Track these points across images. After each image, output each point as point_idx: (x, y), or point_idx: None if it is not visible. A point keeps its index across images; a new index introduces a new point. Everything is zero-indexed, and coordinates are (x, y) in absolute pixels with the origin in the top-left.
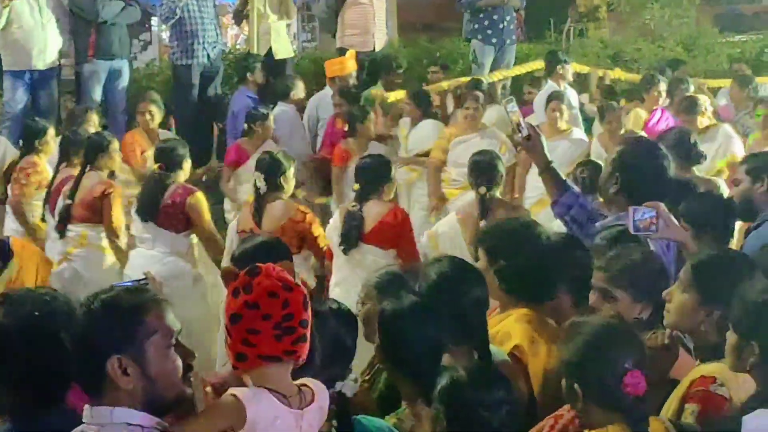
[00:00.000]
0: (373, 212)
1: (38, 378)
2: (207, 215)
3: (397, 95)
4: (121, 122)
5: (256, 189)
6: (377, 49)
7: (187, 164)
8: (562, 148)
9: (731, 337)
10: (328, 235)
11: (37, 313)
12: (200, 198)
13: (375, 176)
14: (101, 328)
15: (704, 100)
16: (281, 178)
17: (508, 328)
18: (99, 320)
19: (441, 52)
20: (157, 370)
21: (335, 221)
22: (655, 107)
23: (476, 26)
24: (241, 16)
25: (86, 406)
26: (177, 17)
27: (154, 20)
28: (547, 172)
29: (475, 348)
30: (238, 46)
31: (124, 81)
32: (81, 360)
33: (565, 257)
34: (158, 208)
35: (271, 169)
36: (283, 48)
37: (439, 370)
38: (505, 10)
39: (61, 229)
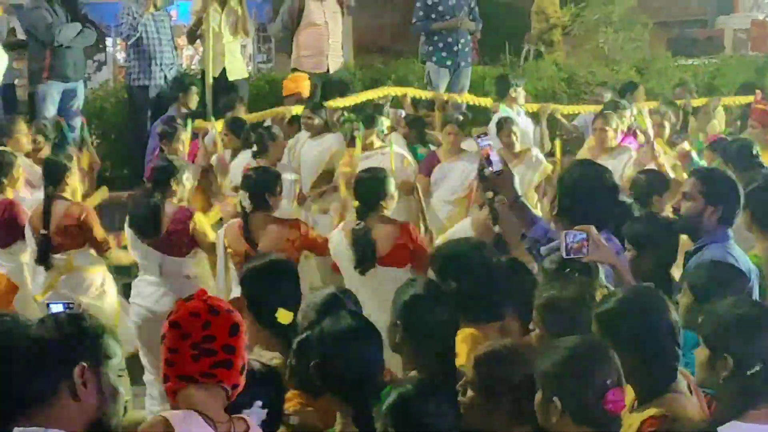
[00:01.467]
0: (384, 233)
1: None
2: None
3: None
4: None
5: (242, 208)
6: (332, 71)
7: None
8: (520, 171)
9: (702, 352)
10: (334, 253)
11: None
12: (201, 219)
13: (373, 192)
14: (70, 335)
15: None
16: (267, 195)
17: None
18: (67, 329)
19: (395, 74)
20: (111, 392)
21: (339, 240)
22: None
23: (430, 48)
24: (194, 36)
25: (16, 429)
26: (137, 35)
27: (109, 41)
28: (517, 205)
29: (442, 368)
30: (193, 67)
31: (79, 101)
32: (40, 368)
33: (513, 280)
34: (158, 228)
35: (258, 187)
36: (237, 69)
37: (374, 391)
38: (459, 32)
39: (45, 260)
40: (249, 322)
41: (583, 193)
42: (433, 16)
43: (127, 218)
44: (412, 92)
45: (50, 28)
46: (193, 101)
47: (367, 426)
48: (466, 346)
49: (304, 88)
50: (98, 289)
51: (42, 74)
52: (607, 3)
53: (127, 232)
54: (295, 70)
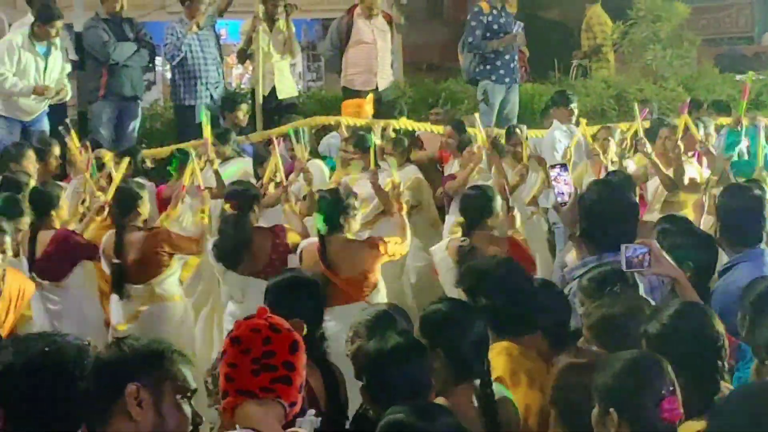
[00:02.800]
0: (490, 250)
1: (47, 419)
2: None
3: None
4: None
5: (318, 230)
6: (381, 89)
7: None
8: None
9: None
10: (438, 266)
11: (46, 350)
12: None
13: (479, 209)
14: (125, 354)
15: None
16: (342, 216)
17: (491, 362)
18: (124, 350)
19: (445, 92)
20: (168, 413)
21: (443, 257)
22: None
23: (487, 67)
24: (244, 55)
25: None
26: (182, 55)
27: (159, 60)
28: (577, 237)
29: (478, 383)
30: (243, 86)
31: (137, 121)
32: (97, 386)
33: (543, 298)
34: (242, 253)
35: (328, 206)
36: (287, 87)
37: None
38: (512, 49)
39: (119, 290)
40: None
41: (604, 214)
42: (488, 34)
43: (214, 248)
44: (345, 120)
45: (106, 47)
46: (242, 117)
47: None
48: (501, 358)
49: (366, 112)
50: (181, 318)
51: (98, 93)
52: (655, 20)
53: (212, 262)
54: (345, 88)
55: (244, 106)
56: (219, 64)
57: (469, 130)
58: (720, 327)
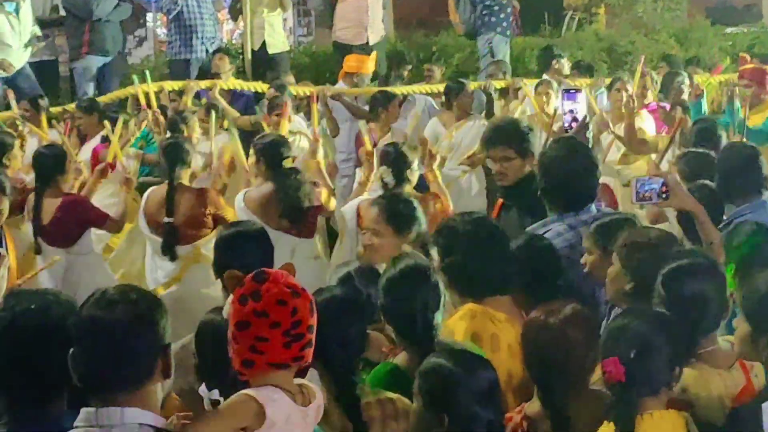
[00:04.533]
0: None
1: (37, 377)
2: None
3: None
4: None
5: (384, 184)
6: (371, 43)
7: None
8: None
9: (743, 326)
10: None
11: (33, 307)
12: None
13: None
14: (158, 317)
15: None
16: (408, 171)
17: (452, 326)
18: (155, 312)
19: (436, 46)
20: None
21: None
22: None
23: (492, 19)
24: (236, 11)
25: (87, 409)
26: (179, 8)
27: (149, 16)
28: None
29: (421, 349)
30: (234, 42)
31: (119, 76)
32: (131, 348)
33: (522, 252)
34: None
35: (398, 162)
36: (278, 42)
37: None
38: (510, 1)
39: (171, 251)
40: None
41: (562, 172)
42: None
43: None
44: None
45: (88, 4)
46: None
47: (348, 400)
48: (462, 323)
49: (368, 68)
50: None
51: (81, 50)
52: None
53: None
54: (335, 43)
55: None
56: (215, 20)
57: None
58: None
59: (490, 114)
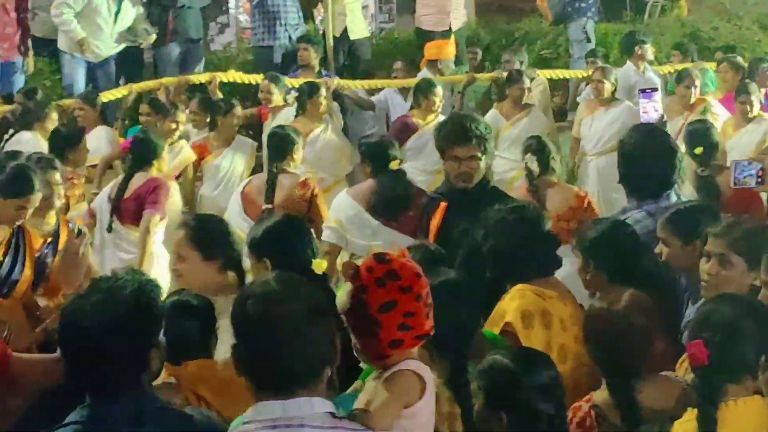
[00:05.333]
0: None
1: (120, 360)
2: None
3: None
4: None
5: (529, 172)
6: (454, 29)
7: None
8: (522, 125)
9: None
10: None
11: (127, 293)
12: None
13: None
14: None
15: None
16: (553, 160)
17: (503, 307)
18: (325, 301)
19: (519, 32)
20: None
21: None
22: None
23: (584, 5)
24: None
25: (265, 403)
26: None
27: (232, 3)
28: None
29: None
30: (317, 27)
31: (201, 65)
32: (313, 339)
33: (605, 240)
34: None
35: (543, 151)
36: (359, 28)
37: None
38: None
39: None
40: None
41: (641, 159)
42: None
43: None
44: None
45: None
46: (305, 58)
47: (458, 384)
48: (512, 303)
49: (449, 53)
50: None
51: (165, 37)
52: None
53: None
54: (417, 29)
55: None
56: (298, 7)
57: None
58: None
59: None
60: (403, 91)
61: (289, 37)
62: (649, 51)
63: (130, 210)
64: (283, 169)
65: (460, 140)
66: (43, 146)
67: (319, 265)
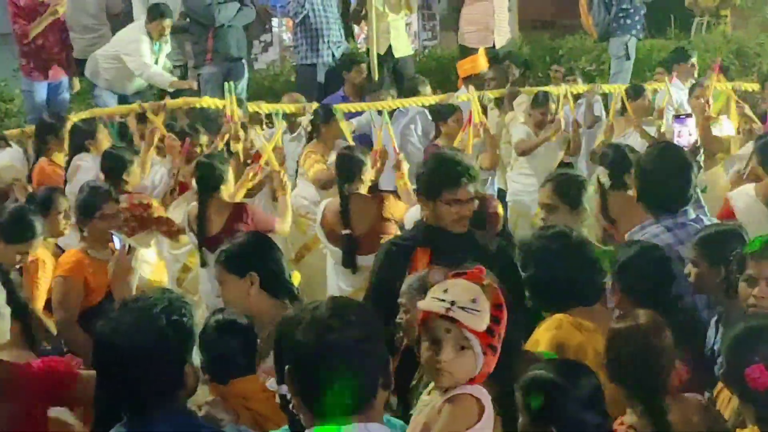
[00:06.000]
0: None
1: (155, 378)
2: None
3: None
4: None
5: (600, 185)
6: (498, 46)
7: None
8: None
9: None
10: None
11: (158, 311)
12: None
13: None
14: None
15: None
16: (626, 174)
17: (538, 336)
18: (377, 327)
19: (563, 49)
20: None
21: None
22: None
23: (627, 21)
24: (358, 16)
25: (325, 428)
26: (305, 12)
27: (275, 22)
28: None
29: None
30: (358, 46)
31: (244, 81)
32: (367, 366)
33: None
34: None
35: (618, 163)
36: (403, 46)
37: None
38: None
39: (352, 263)
40: None
41: (658, 175)
42: None
43: None
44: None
45: (210, 10)
46: (359, 78)
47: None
48: (547, 333)
49: (482, 65)
50: None
51: (205, 56)
52: None
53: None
54: (462, 47)
55: (362, 66)
56: (340, 24)
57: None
58: None
59: None
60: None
61: (333, 55)
62: (695, 66)
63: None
64: (355, 191)
65: (461, 182)
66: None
67: (296, 277)
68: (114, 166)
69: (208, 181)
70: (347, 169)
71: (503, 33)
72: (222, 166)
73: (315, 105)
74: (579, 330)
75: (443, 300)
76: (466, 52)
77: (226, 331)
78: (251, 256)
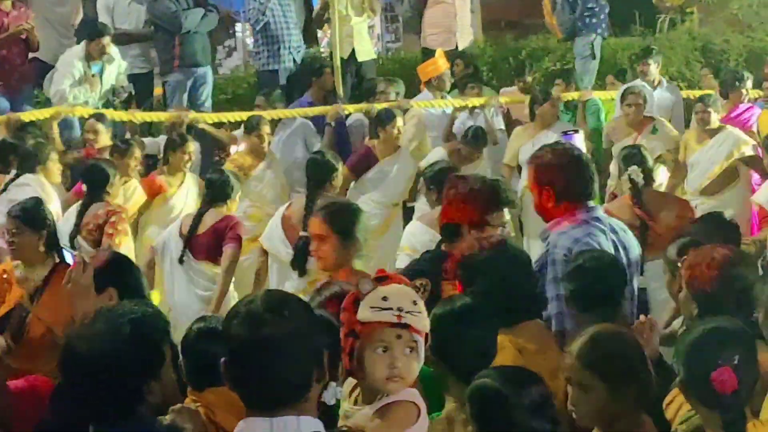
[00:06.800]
0: None
1: (116, 388)
2: None
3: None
4: None
5: (634, 183)
6: (461, 48)
7: None
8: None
9: None
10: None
11: (124, 321)
12: None
13: None
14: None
15: None
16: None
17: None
18: (311, 318)
19: (526, 50)
20: None
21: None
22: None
23: (593, 20)
24: (321, 19)
25: (253, 419)
26: (265, 20)
27: (239, 26)
28: None
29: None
30: (321, 50)
31: (209, 87)
32: (299, 358)
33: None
34: None
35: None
36: (366, 50)
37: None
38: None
39: (301, 265)
40: None
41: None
42: None
43: None
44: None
45: (176, 17)
46: (330, 83)
47: None
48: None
49: (441, 66)
50: None
51: (173, 63)
52: None
53: None
54: (424, 49)
55: (328, 70)
56: (300, 29)
57: None
58: None
59: None
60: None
61: (294, 60)
62: (652, 68)
63: (205, 245)
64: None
65: (502, 206)
66: None
67: (155, 296)
68: (97, 179)
69: (219, 192)
70: (318, 173)
71: (466, 34)
72: (234, 183)
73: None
74: (521, 353)
75: (389, 308)
76: (429, 54)
77: (205, 339)
78: (111, 272)
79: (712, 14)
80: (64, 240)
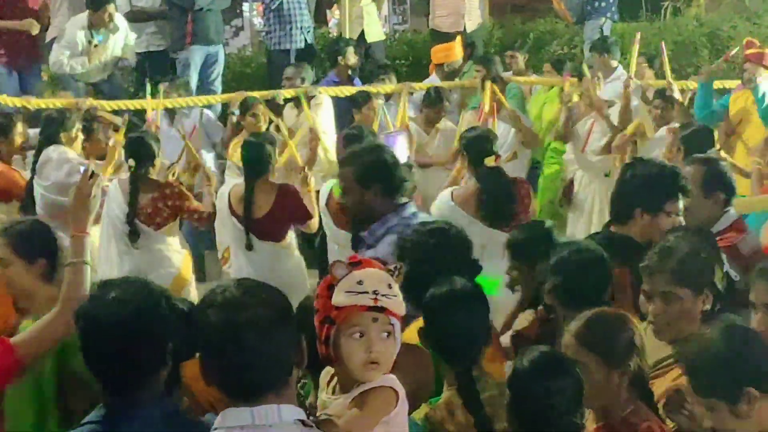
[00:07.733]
0: None
1: (135, 360)
2: None
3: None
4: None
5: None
6: (469, 31)
7: None
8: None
9: None
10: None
11: (125, 296)
12: None
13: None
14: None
15: None
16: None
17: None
18: (289, 305)
19: (533, 33)
20: None
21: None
22: None
23: (603, 4)
24: (331, 0)
25: (235, 409)
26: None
27: (246, 6)
28: None
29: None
30: (330, 30)
31: (220, 66)
32: (278, 345)
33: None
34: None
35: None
36: (375, 31)
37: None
38: None
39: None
40: None
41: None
42: None
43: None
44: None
45: None
46: (353, 60)
47: (472, 395)
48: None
49: (456, 55)
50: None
51: (184, 40)
52: None
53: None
54: (432, 31)
55: (351, 48)
56: (309, 9)
57: None
58: None
59: None
60: None
61: (305, 40)
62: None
63: (273, 225)
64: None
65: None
66: None
67: None
68: (142, 152)
69: (258, 162)
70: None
71: (474, 17)
72: (271, 147)
73: (240, 96)
74: None
75: (365, 292)
76: (437, 36)
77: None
78: (42, 242)
79: (719, 1)
80: None
